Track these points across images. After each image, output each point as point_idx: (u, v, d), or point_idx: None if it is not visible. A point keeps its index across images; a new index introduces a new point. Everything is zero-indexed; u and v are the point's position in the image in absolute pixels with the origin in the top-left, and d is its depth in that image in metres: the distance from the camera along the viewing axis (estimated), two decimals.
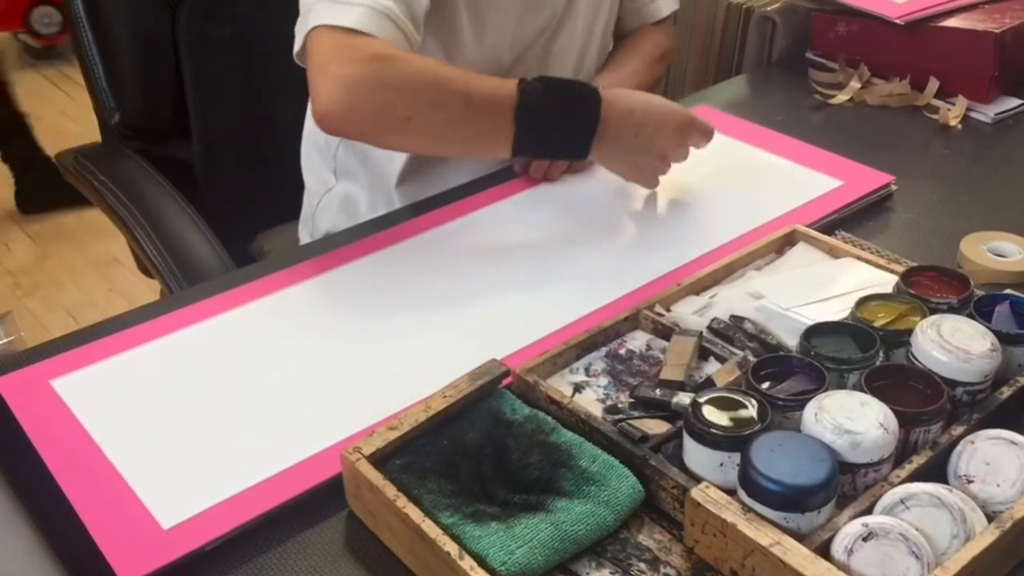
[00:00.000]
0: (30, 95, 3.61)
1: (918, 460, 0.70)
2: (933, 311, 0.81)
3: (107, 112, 1.36)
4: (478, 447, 0.74)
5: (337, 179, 1.26)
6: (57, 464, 0.77)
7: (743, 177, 1.15)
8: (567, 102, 0.99)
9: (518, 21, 1.14)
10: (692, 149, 1.08)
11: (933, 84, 1.34)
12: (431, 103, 0.93)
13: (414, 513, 0.67)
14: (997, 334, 0.76)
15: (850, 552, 0.63)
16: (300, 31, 0.98)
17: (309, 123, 1.29)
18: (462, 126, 0.97)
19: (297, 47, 1.00)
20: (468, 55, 1.11)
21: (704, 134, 1.06)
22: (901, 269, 0.89)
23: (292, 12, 1.41)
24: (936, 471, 0.70)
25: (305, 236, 1.33)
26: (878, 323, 0.80)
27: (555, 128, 0.99)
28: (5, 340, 0.92)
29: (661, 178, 1.09)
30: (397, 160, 1.18)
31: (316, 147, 1.27)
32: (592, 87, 1.00)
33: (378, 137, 0.99)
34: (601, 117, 0.99)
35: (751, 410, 0.71)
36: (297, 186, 1.37)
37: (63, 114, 3.45)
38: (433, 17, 1.04)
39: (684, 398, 0.75)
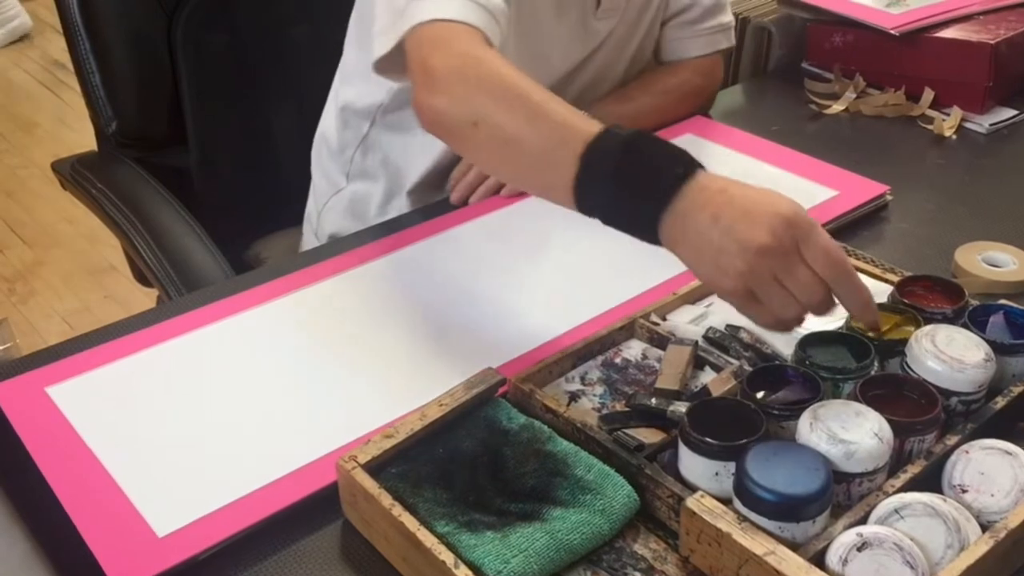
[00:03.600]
0: (27, 102, 3.62)
1: (913, 470, 0.70)
2: (928, 321, 0.81)
3: (104, 120, 1.36)
4: (474, 456, 0.74)
5: (348, 181, 1.26)
6: (52, 471, 0.77)
7: None
8: (647, 161, 0.76)
9: (565, 48, 1.16)
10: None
11: (928, 94, 1.35)
12: (498, 108, 0.83)
13: (409, 522, 0.67)
14: (991, 344, 0.77)
15: (845, 562, 0.63)
16: (388, 34, 0.93)
17: (324, 122, 1.29)
18: (524, 142, 0.81)
19: (379, 53, 0.95)
20: None
21: (826, 254, 0.71)
22: (896, 279, 0.89)
23: (288, 21, 1.43)
24: (931, 481, 0.70)
25: (309, 233, 1.33)
26: (873, 333, 0.80)
27: (619, 184, 0.76)
28: (1, 348, 0.92)
29: None
30: (415, 166, 1.18)
31: (328, 148, 1.27)
32: (689, 157, 0.76)
33: (450, 136, 0.89)
34: (683, 189, 0.74)
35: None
36: (294, 193, 1.37)
37: (60, 122, 3.45)
38: None
39: (680, 407, 0.75)
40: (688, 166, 0.74)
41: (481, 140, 0.84)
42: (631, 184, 0.75)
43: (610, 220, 0.78)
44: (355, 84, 1.22)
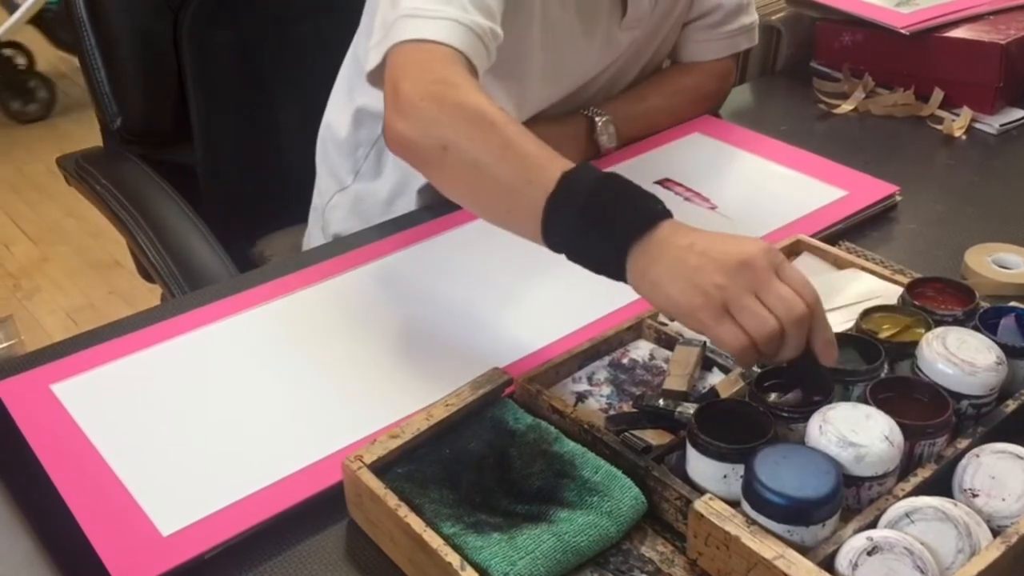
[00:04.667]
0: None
1: (923, 473, 0.70)
2: (938, 323, 0.80)
3: (109, 116, 1.36)
4: (480, 456, 0.74)
5: (355, 180, 1.25)
6: (56, 469, 0.76)
7: (747, 187, 1.15)
8: (616, 202, 0.75)
9: (591, 62, 1.16)
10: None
11: (938, 95, 1.34)
12: (471, 136, 0.81)
13: (415, 523, 0.66)
14: (1003, 347, 0.76)
15: (855, 566, 0.62)
16: (378, 48, 0.93)
17: (330, 116, 1.28)
18: (492, 173, 0.80)
19: (370, 66, 0.95)
20: (534, 88, 1.12)
21: (796, 276, 0.71)
22: (906, 280, 0.88)
23: (293, 18, 1.42)
24: (941, 485, 0.70)
25: (315, 228, 1.33)
26: (883, 335, 0.80)
27: (591, 226, 0.75)
28: (5, 344, 0.92)
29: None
30: None
31: (336, 144, 1.26)
32: (658, 203, 0.75)
33: (420, 163, 0.88)
34: (650, 232, 0.73)
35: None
36: (299, 191, 1.37)
37: (66, 117, 3.45)
38: (507, 52, 1.04)
39: (688, 408, 0.74)
40: (656, 213, 0.73)
41: (449, 166, 0.83)
42: (599, 227, 0.74)
43: (578, 259, 0.77)
44: (372, 89, 1.22)
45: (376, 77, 0.95)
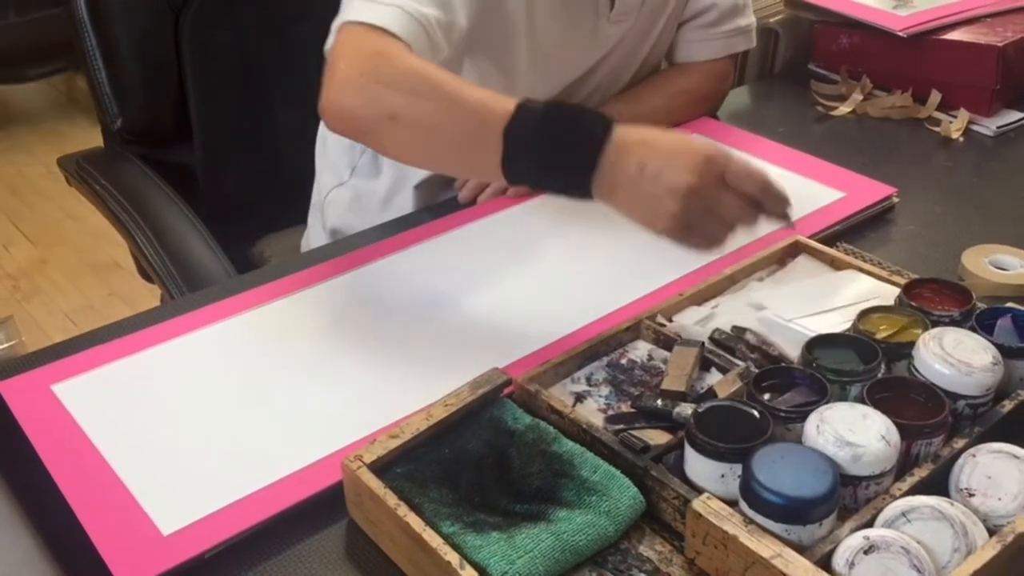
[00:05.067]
0: (33, 98, 3.62)
1: (920, 473, 0.70)
2: (935, 324, 0.81)
3: (110, 117, 1.37)
4: (479, 456, 0.74)
5: (352, 175, 1.26)
6: (58, 469, 0.77)
7: None
8: (566, 128, 0.82)
9: (578, 53, 1.16)
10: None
11: (935, 97, 1.34)
12: (417, 101, 0.86)
13: (415, 522, 0.67)
14: (999, 347, 0.77)
15: (851, 565, 0.63)
16: (333, 27, 0.96)
17: None
18: (445, 130, 0.86)
19: (328, 43, 0.97)
20: (523, 81, 1.13)
21: (747, 176, 0.81)
22: (903, 281, 0.89)
23: (294, 19, 1.43)
24: (938, 484, 0.70)
25: (316, 225, 1.33)
26: (880, 335, 0.80)
27: (547, 154, 0.82)
28: (6, 345, 0.92)
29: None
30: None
31: (339, 143, 1.26)
32: (605, 117, 0.83)
33: (367, 139, 0.92)
34: (604, 152, 0.81)
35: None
36: (299, 191, 1.37)
37: (66, 119, 3.45)
38: (492, 45, 1.05)
39: (686, 409, 0.75)
40: (606, 125, 0.82)
41: (399, 133, 0.87)
42: (557, 151, 0.82)
43: (542, 186, 0.87)
44: None
45: None
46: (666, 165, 0.80)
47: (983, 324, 0.81)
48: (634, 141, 0.81)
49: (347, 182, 1.26)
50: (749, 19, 1.29)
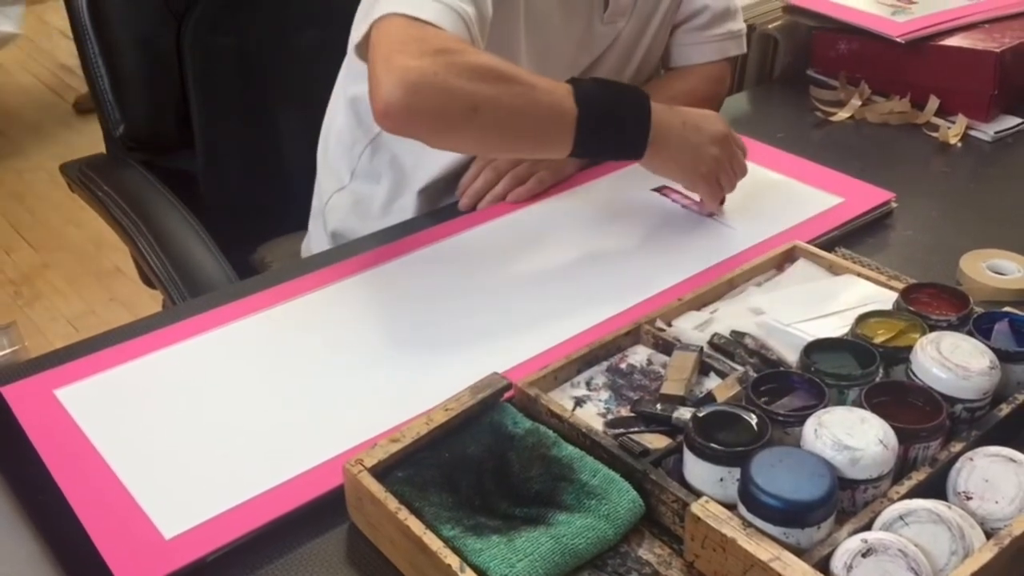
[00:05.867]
0: (35, 104, 3.63)
1: (917, 476, 0.70)
2: (932, 328, 0.81)
3: (112, 123, 1.37)
4: (479, 460, 0.75)
5: (352, 179, 1.26)
6: (61, 473, 0.77)
7: (744, 194, 1.15)
8: (620, 97, 0.99)
9: (573, 53, 1.18)
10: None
11: (933, 102, 1.35)
12: (498, 92, 0.91)
13: (415, 526, 0.67)
14: (996, 352, 0.77)
15: (849, 568, 0.63)
16: (364, 20, 0.95)
17: (330, 117, 1.29)
18: (528, 118, 0.94)
19: (357, 38, 0.97)
20: None
21: (741, 146, 1.08)
22: (901, 286, 0.89)
23: (296, 25, 1.43)
24: (935, 488, 0.70)
25: (317, 230, 1.33)
26: (878, 340, 0.81)
27: (612, 122, 0.97)
28: (9, 350, 0.92)
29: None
30: (426, 167, 1.18)
31: (340, 143, 1.26)
32: (638, 88, 1.02)
33: (442, 134, 0.94)
34: (652, 113, 0.98)
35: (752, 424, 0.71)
36: (301, 197, 1.38)
37: (67, 126, 3.46)
38: (497, 39, 1.05)
39: (685, 413, 0.75)
40: (644, 92, 1.01)
41: (482, 124, 0.92)
42: (620, 121, 0.98)
43: (602, 153, 1.04)
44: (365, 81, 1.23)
45: (363, 50, 0.97)
46: (701, 119, 1.03)
47: (981, 328, 0.81)
48: (665, 104, 1.01)
49: (348, 186, 1.27)
50: (740, 24, 1.31)
